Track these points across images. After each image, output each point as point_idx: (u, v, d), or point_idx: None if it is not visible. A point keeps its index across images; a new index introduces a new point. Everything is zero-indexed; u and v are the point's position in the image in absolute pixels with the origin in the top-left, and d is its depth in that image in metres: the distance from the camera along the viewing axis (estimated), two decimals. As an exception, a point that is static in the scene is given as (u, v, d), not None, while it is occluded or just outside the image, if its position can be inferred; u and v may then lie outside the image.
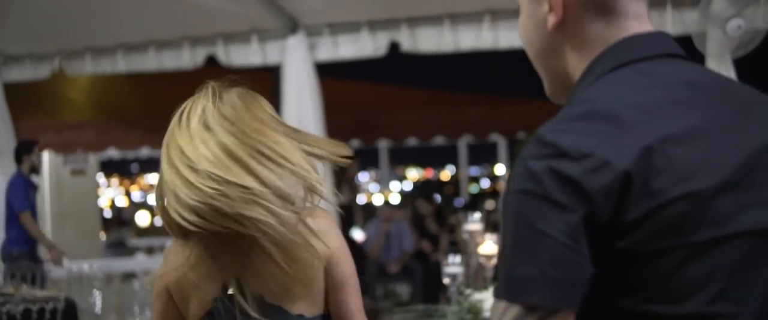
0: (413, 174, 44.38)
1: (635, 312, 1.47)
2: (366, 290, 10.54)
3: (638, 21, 1.63)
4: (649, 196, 1.42)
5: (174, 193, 2.24)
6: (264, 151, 2.26)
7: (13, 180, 8.80)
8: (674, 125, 1.48)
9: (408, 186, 38.19)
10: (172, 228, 2.31)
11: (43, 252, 8.71)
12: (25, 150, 8.89)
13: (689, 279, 1.45)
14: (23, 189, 8.74)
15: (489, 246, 5.26)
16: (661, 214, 1.43)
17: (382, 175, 22.07)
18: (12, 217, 8.65)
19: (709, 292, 1.45)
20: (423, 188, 17.68)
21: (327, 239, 2.33)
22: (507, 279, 1.45)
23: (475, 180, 36.87)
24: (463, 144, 14.35)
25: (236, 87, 2.52)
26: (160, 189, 2.33)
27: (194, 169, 2.23)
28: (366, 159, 19.10)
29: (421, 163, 43.65)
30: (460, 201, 16.00)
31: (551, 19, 1.64)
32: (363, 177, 38.45)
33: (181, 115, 2.43)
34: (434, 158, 37.55)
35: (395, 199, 15.11)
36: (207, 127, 2.32)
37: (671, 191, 1.43)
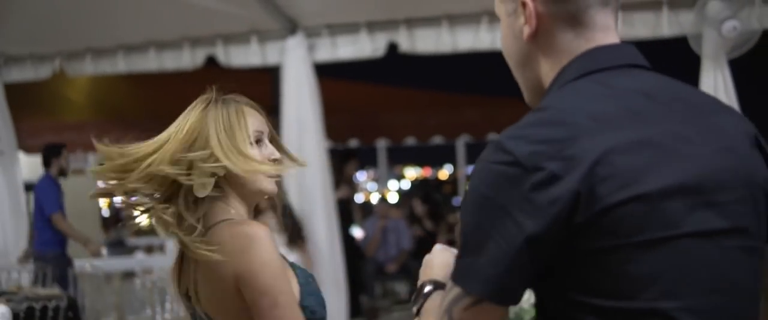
0: (411, 173, 44.38)
1: (590, 306, 1.59)
2: (365, 289, 10.61)
3: (604, 32, 1.76)
4: (595, 202, 1.54)
5: None
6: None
7: (43, 183, 8.90)
8: (624, 134, 1.59)
9: (406, 185, 38.22)
10: None
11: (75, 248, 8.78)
12: (53, 153, 9.01)
13: (636, 276, 1.57)
14: (53, 192, 8.84)
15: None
16: (606, 216, 1.55)
17: (380, 174, 22.09)
18: (44, 220, 8.73)
19: (656, 289, 1.57)
20: (420, 188, 17.74)
21: (237, 258, 2.36)
22: (457, 265, 1.63)
23: (473, 179, 36.90)
24: (461, 144, 14.38)
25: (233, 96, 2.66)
26: None
27: None
28: (364, 158, 19.14)
29: (419, 163, 43.66)
30: (458, 200, 16.02)
31: (526, 30, 1.77)
32: (361, 176, 38.51)
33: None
34: (432, 157, 37.62)
35: (393, 198, 15.19)
36: None
37: (615, 195, 1.55)
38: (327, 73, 9.41)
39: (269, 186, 2.57)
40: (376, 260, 11.34)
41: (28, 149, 10.82)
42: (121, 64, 8.72)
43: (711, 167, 1.64)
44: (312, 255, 7.70)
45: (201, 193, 2.49)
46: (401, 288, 12.01)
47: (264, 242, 2.37)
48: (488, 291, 1.58)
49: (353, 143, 11.78)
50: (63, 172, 9.10)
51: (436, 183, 37.19)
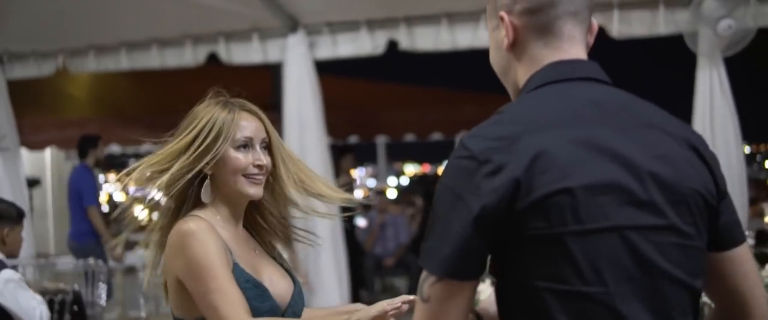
0: (411, 169, 44.46)
1: (533, 288, 1.80)
2: (364, 283, 10.69)
3: (571, 43, 1.96)
4: (533, 190, 1.75)
5: None
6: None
7: (81, 174, 9.01)
8: (565, 134, 1.80)
9: (405, 181, 38.26)
10: None
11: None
12: (90, 144, 9.13)
13: (572, 262, 1.77)
14: (92, 183, 8.93)
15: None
16: (542, 205, 1.75)
17: (379, 171, 22.15)
18: (82, 210, 8.83)
19: (589, 275, 1.77)
20: (420, 184, 17.80)
21: (175, 256, 2.66)
22: (422, 249, 1.84)
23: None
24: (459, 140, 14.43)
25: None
26: None
27: None
28: (364, 155, 19.19)
29: (419, 159, 43.73)
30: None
31: (505, 42, 1.98)
32: (360, 172, 38.56)
33: None
34: (431, 154, 37.71)
35: (392, 194, 15.26)
36: None
37: (549, 186, 1.75)
38: (326, 70, 9.50)
39: (250, 189, 2.73)
40: (374, 255, 11.43)
41: (31, 145, 10.90)
42: (123, 61, 8.79)
43: (645, 171, 1.82)
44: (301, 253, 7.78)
45: (206, 199, 2.77)
46: (400, 282, 12.10)
47: (195, 236, 2.61)
48: (445, 269, 1.78)
49: (353, 139, 11.84)
50: (99, 163, 9.26)
51: (435, 179, 37.23)
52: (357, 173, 41.20)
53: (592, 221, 1.77)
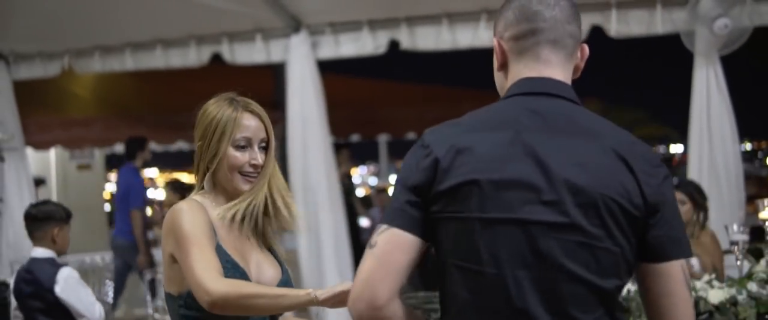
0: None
1: (445, 261, 2.19)
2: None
3: (546, 65, 2.26)
4: (451, 177, 2.12)
5: None
6: None
7: (129, 174, 9.14)
8: (496, 136, 2.14)
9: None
10: None
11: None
12: (138, 146, 9.26)
13: (471, 243, 2.12)
14: (140, 186, 9.07)
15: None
16: (456, 191, 2.12)
17: (381, 169, 22.24)
18: (127, 209, 8.94)
19: (483, 256, 2.11)
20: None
21: (166, 234, 2.91)
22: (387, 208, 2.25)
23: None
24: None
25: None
26: None
27: None
28: (366, 153, 19.25)
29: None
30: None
31: (496, 63, 2.35)
32: (362, 170, 38.58)
33: None
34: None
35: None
36: None
37: (464, 176, 2.11)
38: (328, 69, 9.59)
39: (244, 186, 3.00)
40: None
41: (37, 145, 10.98)
42: (128, 62, 8.88)
43: (558, 174, 2.10)
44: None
45: (206, 187, 3.07)
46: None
47: (184, 211, 2.88)
48: (388, 220, 2.20)
49: (354, 138, 11.93)
50: (146, 164, 9.46)
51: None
52: (359, 171, 41.30)
53: (495, 211, 2.10)
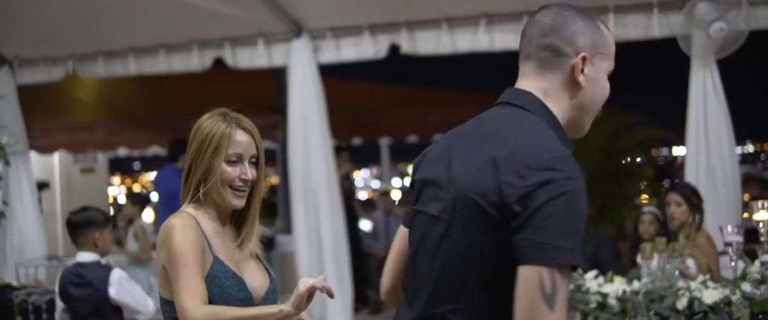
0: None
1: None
2: (369, 282, 10.86)
3: (521, 77, 2.49)
4: (414, 175, 2.56)
5: None
6: None
7: (174, 176, 9.24)
8: (446, 140, 2.50)
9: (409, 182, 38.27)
10: None
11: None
12: (181, 148, 9.32)
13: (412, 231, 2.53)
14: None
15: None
16: (413, 186, 2.55)
17: (383, 172, 22.28)
18: (171, 211, 9.04)
19: (411, 239, 2.53)
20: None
21: (160, 247, 3.04)
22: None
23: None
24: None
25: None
26: None
27: None
28: (368, 156, 19.30)
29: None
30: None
31: None
32: (365, 173, 38.64)
33: None
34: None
35: (396, 195, 15.38)
36: None
37: (414, 175, 2.56)
38: (330, 73, 9.66)
39: (234, 200, 3.15)
40: (377, 255, 11.61)
41: (41, 149, 11.08)
42: (132, 66, 8.98)
43: (452, 174, 2.37)
44: None
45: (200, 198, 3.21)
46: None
47: (177, 230, 3.01)
48: (403, 218, 2.69)
49: (356, 141, 12.02)
50: None
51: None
52: (361, 174, 41.36)
53: (418, 204, 2.49)
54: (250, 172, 3.13)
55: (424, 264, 2.41)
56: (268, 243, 10.59)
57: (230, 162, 3.10)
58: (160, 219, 9.45)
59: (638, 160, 10.63)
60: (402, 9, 8.02)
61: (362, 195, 22.33)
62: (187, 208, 3.17)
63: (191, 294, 2.89)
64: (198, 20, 8.39)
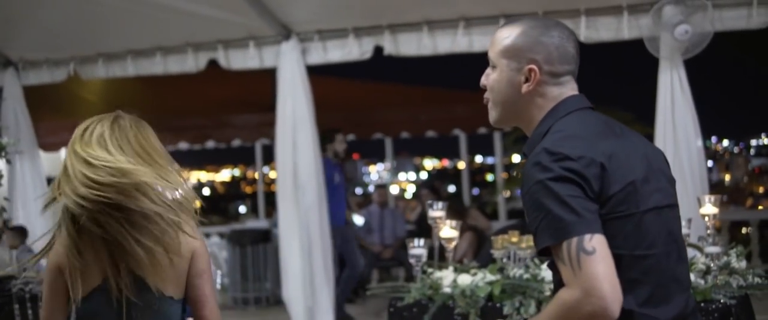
0: (429, 164, 44.43)
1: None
2: (362, 275, 11.17)
3: (570, 85, 2.71)
4: (614, 183, 2.47)
5: (72, 182, 2.93)
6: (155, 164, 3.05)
7: (325, 166, 9.64)
8: (611, 144, 2.54)
9: (424, 176, 38.40)
10: (64, 216, 2.99)
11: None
12: (327, 138, 9.72)
13: (638, 233, 2.51)
14: (327, 175, 9.42)
15: (447, 231, 5.90)
16: (622, 193, 2.48)
17: (393, 166, 22.51)
18: (332, 195, 9.46)
19: (646, 241, 2.52)
20: (436, 178, 18.21)
21: (194, 237, 3.04)
22: (556, 227, 2.43)
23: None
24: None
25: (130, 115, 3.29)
26: (57, 182, 3.03)
27: (92, 165, 2.94)
28: (376, 151, 19.52)
29: (438, 155, 43.70)
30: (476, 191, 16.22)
31: (525, 88, 2.70)
32: (379, 168, 38.81)
33: (84, 131, 3.22)
34: (452, 149, 37.93)
35: (411, 189, 15.61)
36: (104, 145, 3.08)
37: (624, 179, 2.49)
38: (326, 72, 10.00)
39: None
40: (369, 248, 11.92)
41: (46, 147, 11.43)
42: (130, 68, 9.32)
43: (651, 163, 2.64)
44: None
45: None
46: (399, 272, 12.56)
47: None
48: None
49: (350, 137, 12.32)
50: (337, 155, 10.02)
51: (455, 172, 37.38)
52: (376, 169, 41.45)
53: (645, 204, 2.56)
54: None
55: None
56: (264, 236, 10.95)
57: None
58: (334, 207, 9.80)
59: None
60: (385, 13, 8.33)
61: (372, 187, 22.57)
62: None
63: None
64: (192, 24, 8.72)
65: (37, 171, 9.68)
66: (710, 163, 36.45)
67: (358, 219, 12.06)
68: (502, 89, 2.74)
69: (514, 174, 16.83)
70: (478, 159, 38.98)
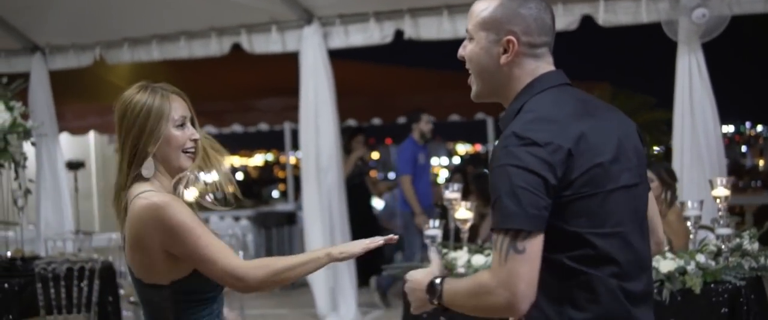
0: (462, 149, 44.29)
1: (575, 233, 2.51)
2: (383, 256, 11.27)
3: (547, 58, 2.69)
4: (579, 166, 2.47)
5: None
6: None
7: (402, 146, 9.84)
8: (584, 124, 2.52)
9: (457, 160, 38.35)
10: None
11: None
12: (413, 119, 9.87)
13: (604, 212, 2.52)
14: (409, 154, 9.67)
15: (462, 213, 5.99)
16: (586, 175, 2.48)
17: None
18: (418, 179, 9.58)
19: (614, 219, 2.54)
20: (469, 162, 18.18)
21: (155, 229, 2.94)
22: (501, 214, 2.44)
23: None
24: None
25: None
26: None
27: None
28: (401, 135, 19.56)
29: (470, 140, 43.59)
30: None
31: (504, 59, 2.66)
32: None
33: None
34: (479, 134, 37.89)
35: (444, 173, 15.55)
36: None
37: (591, 162, 2.49)
38: (348, 56, 10.09)
39: (187, 163, 3.09)
40: (393, 230, 11.99)
41: (73, 131, 11.64)
42: (155, 52, 9.49)
43: (623, 143, 2.62)
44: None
45: (148, 174, 3.05)
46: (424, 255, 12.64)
47: (169, 206, 2.94)
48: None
49: (376, 121, 12.41)
50: (423, 136, 10.04)
51: (486, 157, 37.19)
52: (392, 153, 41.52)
53: (614, 183, 2.56)
54: (195, 133, 3.10)
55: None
56: (289, 219, 11.07)
57: (177, 127, 3.04)
58: (422, 188, 9.92)
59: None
60: (405, -4, 8.38)
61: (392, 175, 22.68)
62: (146, 187, 3.02)
63: (225, 254, 2.92)
64: (216, 9, 8.87)
65: (55, 156, 9.86)
66: (744, 149, 36.17)
67: (378, 203, 12.14)
68: (480, 61, 2.72)
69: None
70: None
